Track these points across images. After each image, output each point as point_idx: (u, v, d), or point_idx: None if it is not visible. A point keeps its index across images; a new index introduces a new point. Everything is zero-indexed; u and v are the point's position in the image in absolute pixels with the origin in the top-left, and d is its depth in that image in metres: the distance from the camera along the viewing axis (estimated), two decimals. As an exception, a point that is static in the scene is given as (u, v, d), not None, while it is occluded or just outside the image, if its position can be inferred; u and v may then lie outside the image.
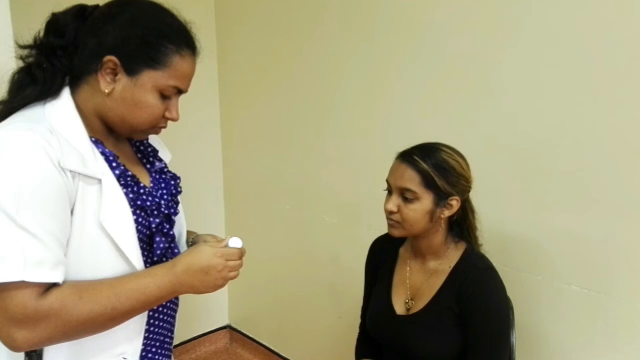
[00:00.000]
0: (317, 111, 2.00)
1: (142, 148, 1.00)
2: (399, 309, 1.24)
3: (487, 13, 1.44)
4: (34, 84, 0.82)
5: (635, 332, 1.26)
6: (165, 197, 0.96)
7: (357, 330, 1.44)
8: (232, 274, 0.89)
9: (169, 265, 0.85)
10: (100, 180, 0.81)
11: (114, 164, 0.85)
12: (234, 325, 2.62)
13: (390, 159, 1.20)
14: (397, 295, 1.27)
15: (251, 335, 2.53)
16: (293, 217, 2.19)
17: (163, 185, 0.98)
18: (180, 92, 0.88)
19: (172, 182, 1.00)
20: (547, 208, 1.38)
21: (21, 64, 0.86)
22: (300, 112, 2.07)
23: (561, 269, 1.37)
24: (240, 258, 0.90)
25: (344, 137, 1.91)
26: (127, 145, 0.97)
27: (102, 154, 0.84)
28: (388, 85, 1.73)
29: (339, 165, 1.95)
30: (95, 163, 0.81)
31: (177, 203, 1.01)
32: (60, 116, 0.81)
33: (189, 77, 0.88)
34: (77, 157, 0.78)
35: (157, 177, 0.98)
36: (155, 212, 0.90)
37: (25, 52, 0.85)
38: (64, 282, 0.76)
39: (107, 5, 0.87)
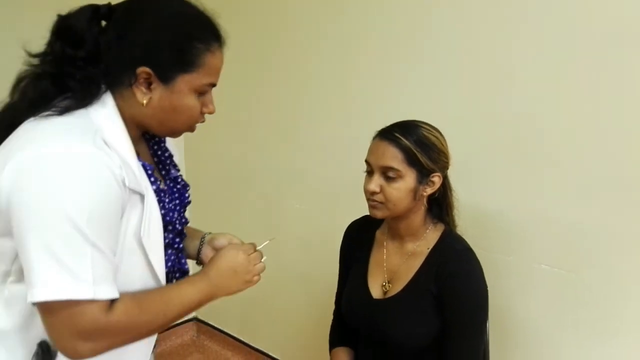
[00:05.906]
0: (288, 94, 1.95)
1: (159, 152, 0.98)
2: (375, 292, 1.22)
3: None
4: (74, 95, 0.79)
5: (603, 309, 1.29)
6: (178, 207, 0.96)
7: (330, 318, 1.41)
8: (258, 265, 0.96)
9: (202, 272, 0.91)
10: (143, 196, 0.81)
11: (152, 179, 0.86)
12: (200, 317, 2.55)
13: (362, 141, 1.17)
14: (373, 279, 1.24)
15: (218, 326, 2.47)
16: (261, 203, 2.14)
17: (176, 195, 0.98)
18: (213, 85, 0.88)
19: (184, 192, 1.00)
20: (520, 191, 1.39)
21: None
22: (270, 95, 2.01)
23: (532, 249, 1.38)
24: (255, 251, 0.97)
25: (316, 120, 1.87)
26: (145, 148, 0.95)
27: (143, 166, 0.84)
28: (363, 66, 1.69)
29: (310, 150, 1.91)
30: (142, 178, 0.82)
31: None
32: (109, 127, 0.79)
33: (220, 70, 0.88)
34: (132, 173, 0.79)
35: (171, 185, 0.97)
36: (170, 227, 0.91)
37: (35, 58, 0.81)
38: (121, 294, 0.78)
39: (126, 7, 0.82)
